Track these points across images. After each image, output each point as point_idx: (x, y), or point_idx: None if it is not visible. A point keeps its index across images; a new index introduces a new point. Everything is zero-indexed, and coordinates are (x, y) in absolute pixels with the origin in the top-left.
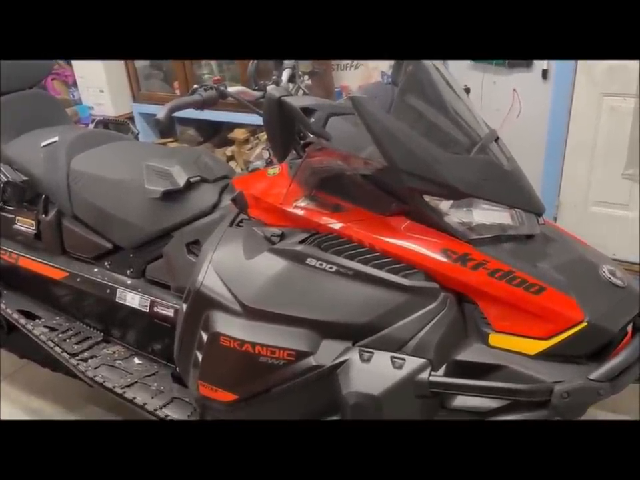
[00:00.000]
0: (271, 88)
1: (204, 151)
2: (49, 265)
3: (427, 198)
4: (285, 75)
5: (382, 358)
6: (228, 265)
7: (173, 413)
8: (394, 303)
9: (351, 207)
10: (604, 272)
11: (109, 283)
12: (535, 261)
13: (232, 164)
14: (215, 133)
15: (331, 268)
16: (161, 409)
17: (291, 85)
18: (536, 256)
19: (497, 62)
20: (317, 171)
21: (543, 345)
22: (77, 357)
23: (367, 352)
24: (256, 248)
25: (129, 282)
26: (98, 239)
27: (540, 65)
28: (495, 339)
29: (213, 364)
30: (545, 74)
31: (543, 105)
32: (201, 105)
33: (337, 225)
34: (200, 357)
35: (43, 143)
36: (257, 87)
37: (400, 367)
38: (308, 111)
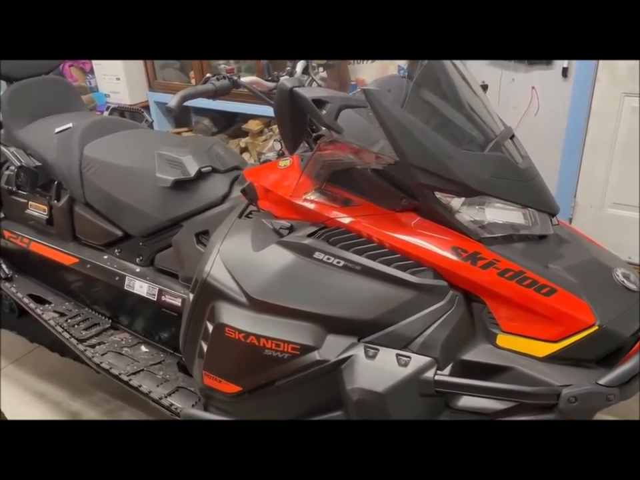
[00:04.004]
0: (283, 79)
1: (216, 140)
2: (60, 251)
3: (438, 195)
4: (299, 67)
5: (387, 355)
6: (235, 256)
7: (178, 402)
8: (401, 299)
9: (360, 201)
10: (617, 275)
11: (118, 271)
12: (547, 262)
13: (245, 155)
14: (230, 124)
15: (338, 262)
16: (165, 397)
17: (305, 77)
18: (548, 257)
19: None
20: (327, 164)
21: (552, 348)
22: (85, 343)
23: (373, 348)
24: (264, 240)
25: (137, 270)
26: (108, 226)
27: (560, 62)
28: (502, 339)
29: (217, 355)
30: (565, 72)
31: (562, 104)
32: (214, 95)
33: (346, 220)
34: (205, 347)
35: (57, 129)
36: (270, 78)
37: (405, 365)
38: (320, 103)
